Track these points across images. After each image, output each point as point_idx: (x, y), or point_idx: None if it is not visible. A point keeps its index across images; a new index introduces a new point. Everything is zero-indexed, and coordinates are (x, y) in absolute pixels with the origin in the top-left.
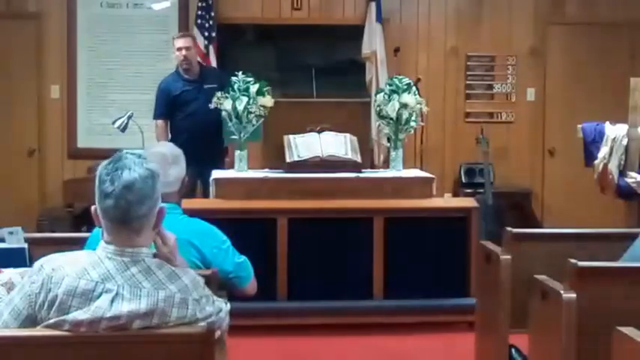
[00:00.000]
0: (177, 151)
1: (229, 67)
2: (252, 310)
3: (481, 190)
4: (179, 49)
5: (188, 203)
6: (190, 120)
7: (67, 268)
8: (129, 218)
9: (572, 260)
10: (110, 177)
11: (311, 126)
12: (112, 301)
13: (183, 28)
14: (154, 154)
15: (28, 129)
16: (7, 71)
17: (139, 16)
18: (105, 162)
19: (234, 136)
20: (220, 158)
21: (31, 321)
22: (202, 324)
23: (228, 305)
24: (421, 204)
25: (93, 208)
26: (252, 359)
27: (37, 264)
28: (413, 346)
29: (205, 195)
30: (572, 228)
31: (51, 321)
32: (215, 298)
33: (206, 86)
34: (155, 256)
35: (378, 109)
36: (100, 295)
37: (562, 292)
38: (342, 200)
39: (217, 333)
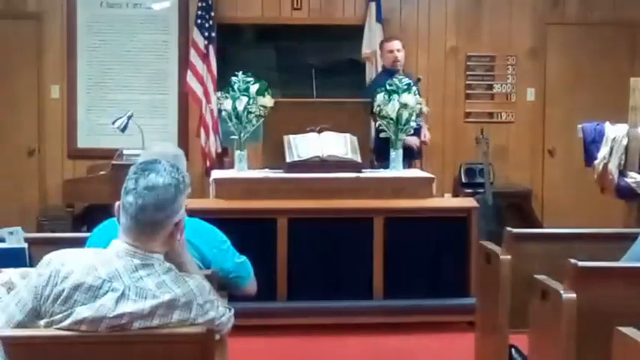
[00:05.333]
0: (178, 152)
1: (229, 67)
2: (252, 310)
3: (481, 190)
4: (391, 51)
5: (188, 203)
6: None
7: (76, 264)
8: (142, 219)
9: (572, 260)
10: (137, 176)
11: (311, 126)
12: (117, 301)
13: (184, 28)
14: (153, 154)
15: (28, 129)
16: (7, 71)
17: (139, 16)
18: (139, 161)
19: (234, 136)
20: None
21: (35, 313)
22: (202, 324)
23: (232, 311)
24: (421, 204)
25: (117, 203)
26: (252, 359)
27: (46, 257)
28: (413, 346)
29: None
30: (572, 228)
31: (55, 317)
32: (220, 303)
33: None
34: (166, 258)
35: (378, 109)
36: (106, 293)
37: (562, 292)
38: (342, 200)
39: (217, 336)
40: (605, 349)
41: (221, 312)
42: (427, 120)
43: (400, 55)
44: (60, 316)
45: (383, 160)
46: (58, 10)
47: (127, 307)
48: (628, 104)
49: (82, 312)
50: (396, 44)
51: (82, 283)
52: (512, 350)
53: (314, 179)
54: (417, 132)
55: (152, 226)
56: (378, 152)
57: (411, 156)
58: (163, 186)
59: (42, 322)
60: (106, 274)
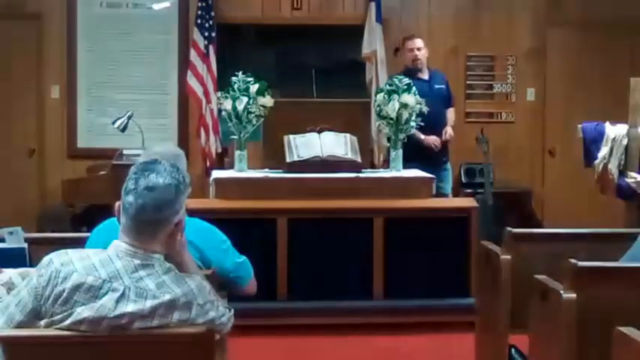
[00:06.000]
0: (178, 152)
1: (229, 67)
2: (252, 310)
3: (481, 190)
4: (412, 49)
5: (188, 203)
6: (422, 117)
7: (76, 264)
8: (142, 220)
9: (572, 260)
10: (137, 176)
11: (311, 126)
12: (117, 301)
13: (184, 28)
14: (153, 154)
15: (28, 129)
16: (7, 71)
17: (139, 16)
18: (139, 161)
19: (234, 136)
20: (449, 155)
21: (35, 314)
22: (202, 325)
23: (232, 311)
24: (421, 204)
25: (117, 203)
26: (252, 359)
27: (46, 258)
28: (413, 346)
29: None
30: (572, 228)
31: (55, 317)
32: (220, 303)
33: (436, 86)
34: (166, 258)
35: (378, 109)
36: (107, 293)
37: (562, 292)
38: (342, 200)
39: (217, 336)
40: (605, 349)
41: (221, 312)
42: (452, 117)
43: (421, 54)
44: (60, 316)
45: (410, 159)
46: (58, 10)
47: (127, 307)
48: (628, 104)
49: (82, 312)
50: (417, 42)
51: (82, 283)
52: (512, 350)
53: (314, 179)
54: (425, 127)
55: (152, 226)
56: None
57: (430, 156)
58: (164, 186)
59: (42, 323)
60: (106, 274)
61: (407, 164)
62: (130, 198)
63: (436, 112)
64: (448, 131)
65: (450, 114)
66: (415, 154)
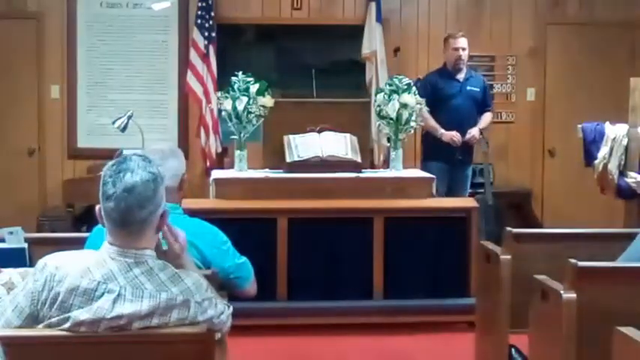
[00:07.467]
0: (177, 149)
1: (229, 67)
2: (252, 310)
3: (481, 190)
4: (456, 48)
5: (188, 203)
6: (450, 116)
7: (71, 267)
8: (129, 221)
9: (572, 260)
10: (112, 179)
11: (311, 126)
12: (114, 302)
13: (184, 28)
14: (152, 151)
15: (28, 129)
16: (7, 71)
17: (139, 16)
18: (110, 163)
19: (234, 136)
20: (471, 158)
21: (32, 318)
22: (202, 324)
23: (231, 308)
24: (421, 204)
25: (97, 207)
26: (252, 359)
27: (40, 262)
28: (413, 346)
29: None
30: (572, 228)
31: (52, 320)
32: (218, 300)
33: (469, 87)
34: (160, 255)
35: (378, 109)
36: (102, 295)
37: (562, 292)
38: (342, 200)
39: (217, 335)
40: (605, 349)
41: (220, 310)
42: (485, 121)
43: (464, 54)
44: (57, 319)
45: (427, 157)
46: (58, 10)
47: (125, 308)
48: (628, 104)
49: (80, 315)
50: (462, 42)
51: (77, 286)
52: (512, 350)
53: (314, 179)
54: (452, 126)
55: (139, 225)
56: (424, 146)
57: (449, 153)
58: (142, 183)
59: (40, 326)
60: (100, 275)
61: (424, 162)
62: (112, 203)
63: (465, 113)
64: (472, 132)
65: (484, 117)
66: (433, 151)
